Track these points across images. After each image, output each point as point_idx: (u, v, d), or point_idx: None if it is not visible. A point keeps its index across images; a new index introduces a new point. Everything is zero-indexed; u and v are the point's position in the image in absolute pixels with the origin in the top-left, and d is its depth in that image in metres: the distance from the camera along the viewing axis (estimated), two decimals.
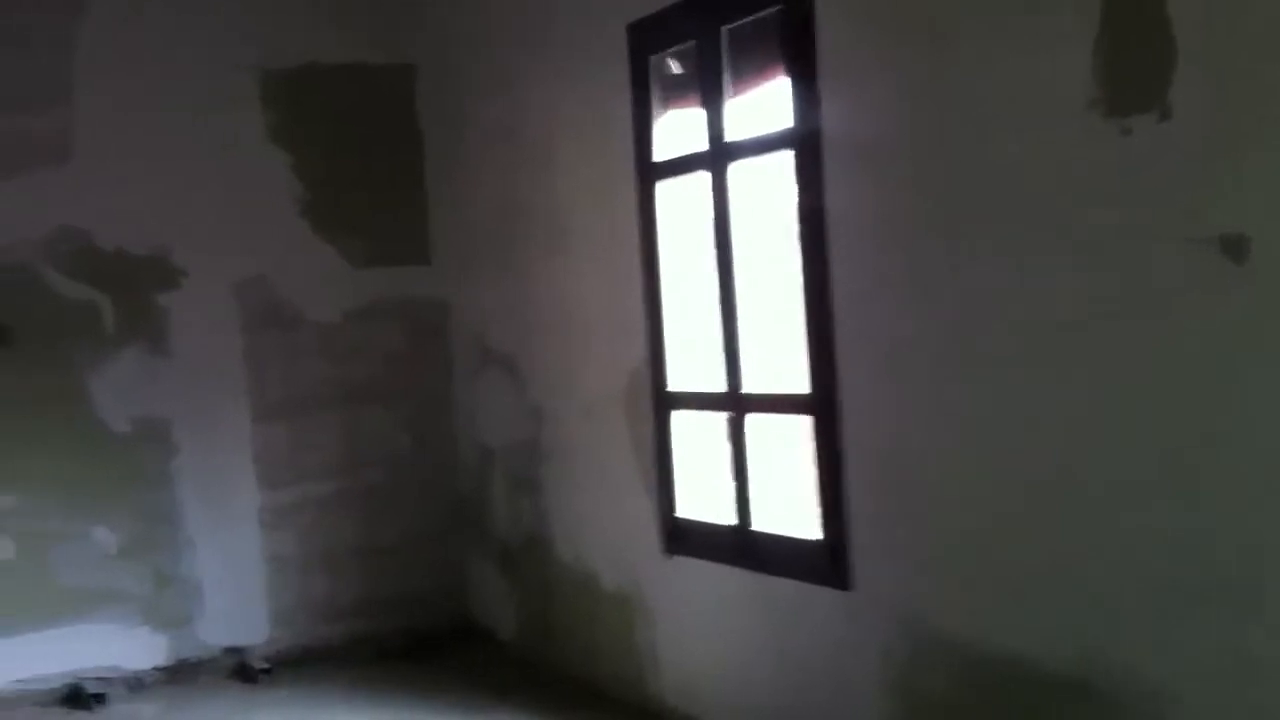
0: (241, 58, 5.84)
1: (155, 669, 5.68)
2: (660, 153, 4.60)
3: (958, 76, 3.34)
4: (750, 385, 4.28)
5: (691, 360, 4.59)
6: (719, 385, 4.37)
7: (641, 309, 4.68)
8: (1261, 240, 2.66)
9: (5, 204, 5.45)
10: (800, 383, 3.99)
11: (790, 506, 4.23)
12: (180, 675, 5.69)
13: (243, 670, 5.73)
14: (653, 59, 4.61)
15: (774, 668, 4.18)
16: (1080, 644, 3.11)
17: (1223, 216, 2.72)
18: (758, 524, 4.27)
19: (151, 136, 5.66)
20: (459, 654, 5.86)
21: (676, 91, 4.63)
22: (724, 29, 4.24)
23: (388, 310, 6.13)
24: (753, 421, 4.29)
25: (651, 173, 4.62)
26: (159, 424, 5.71)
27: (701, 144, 4.36)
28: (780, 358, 4.22)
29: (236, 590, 5.83)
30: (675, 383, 4.62)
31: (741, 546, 4.31)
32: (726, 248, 4.28)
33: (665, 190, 4.61)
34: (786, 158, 3.98)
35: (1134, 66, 2.88)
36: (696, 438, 4.62)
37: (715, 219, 4.32)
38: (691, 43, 4.42)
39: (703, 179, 4.37)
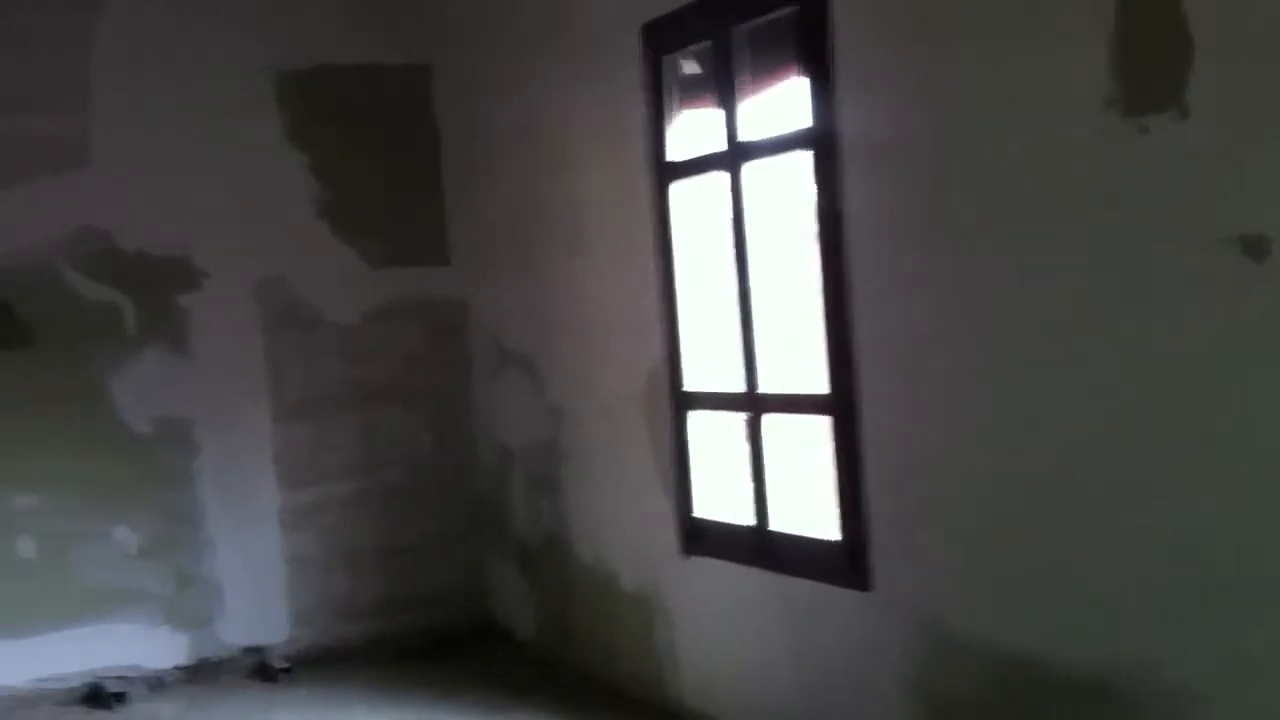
0: (257, 59, 5.85)
1: (176, 668, 5.70)
2: (676, 153, 4.59)
3: (975, 76, 3.32)
4: (767, 385, 4.27)
5: (709, 360, 4.59)
6: (737, 385, 4.36)
7: (659, 309, 4.68)
8: None
9: (26, 205, 5.48)
10: (818, 383, 3.98)
11: (808, 507, 4.22)
12: (200, 675, 5.71)
13: (263, 670, 5.75)
14: (668, 59, 4.61)
15: (793, 668, 4.17)
16: (1100, 644, 3.09)
17: (1242, 216, 2.70)
18: (776, 524, 4.26)
19: (169, 137, 5.69)
20: (478, 654, 5.86)
21: (692, 92, 4.62)
22: (739, 29, 4.24)
23: (406, 311, 6.14)
24: (770, 422, 4.29)
25: (668, 173, 4.62)
26: (180, 424, 5.74)
27: (717, 144, 4.35)
28: (797, 358, 4.21)
29: (257, 590, 5.85)
30: (693, 383, 4.62)
31: (760, 547, 4.30)
32: (743, 248, 4.27)
33: (682, 190, 4.60)
34: (803, 158, 3.97)
35: (1151, 65, 2.86)
36: (714, 438, 4.62)
37: (732, 219, 4.31)
38: (707, 43, 4.41)
39: (719, 179, 4.36)
